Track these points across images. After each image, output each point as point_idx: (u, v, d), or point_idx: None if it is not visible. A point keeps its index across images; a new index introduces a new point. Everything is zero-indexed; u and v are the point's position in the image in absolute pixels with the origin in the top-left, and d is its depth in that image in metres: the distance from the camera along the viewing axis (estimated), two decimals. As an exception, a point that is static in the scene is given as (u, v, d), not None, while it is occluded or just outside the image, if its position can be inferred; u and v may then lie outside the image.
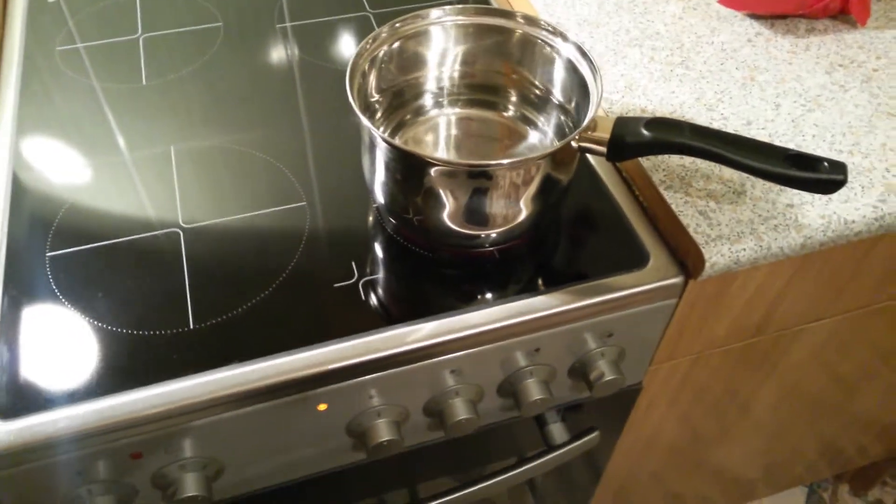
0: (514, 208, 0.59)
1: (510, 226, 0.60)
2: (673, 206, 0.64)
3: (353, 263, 0.63)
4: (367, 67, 0.62)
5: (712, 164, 0.67)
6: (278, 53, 0.84)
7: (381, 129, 0.66)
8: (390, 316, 0.60)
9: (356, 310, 0.60)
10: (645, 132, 0.57)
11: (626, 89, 0.74)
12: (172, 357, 0.57)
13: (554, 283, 0.62)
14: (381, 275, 0.63)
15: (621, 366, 0.68)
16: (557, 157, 0.57)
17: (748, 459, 1.16)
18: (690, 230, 0.62)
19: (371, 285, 0.62)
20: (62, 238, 0.65)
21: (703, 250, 0.61)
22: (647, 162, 0.67)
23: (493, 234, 0.61)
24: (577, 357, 0.67)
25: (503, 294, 0.62)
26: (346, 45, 0.85)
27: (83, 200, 0.68)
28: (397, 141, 0.66)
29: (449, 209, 0.58)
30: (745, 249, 0.61)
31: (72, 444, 0.54)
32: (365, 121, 0.55)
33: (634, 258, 0.64)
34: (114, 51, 0.83)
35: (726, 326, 0.75)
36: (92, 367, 0.56)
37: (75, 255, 0.63)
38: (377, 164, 0.59)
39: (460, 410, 0.63)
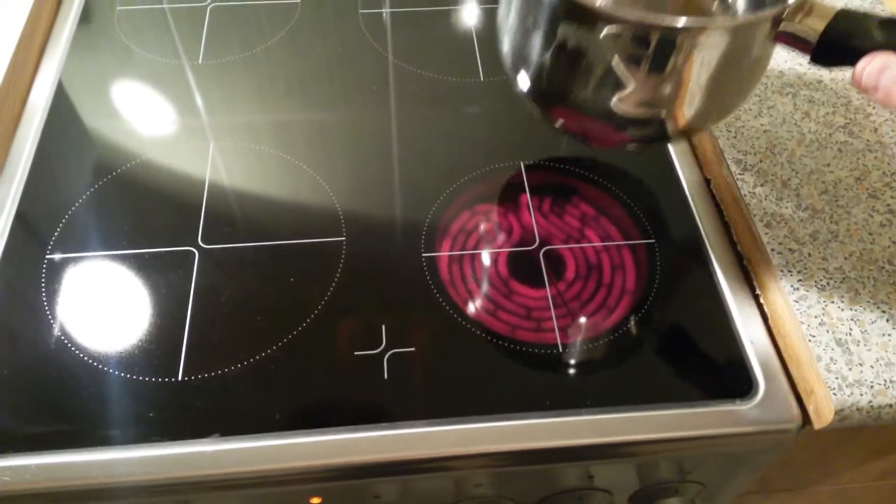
0: (669, 85, 0.44)
1: (652, 114, 0.46)
2: (804, 325, 0.49)
3: (384, 328, 0.52)
4: None
5: (864, 276, 0.51)
6: (354, 44, 0.72)
7: None
8: (413, 407, 0.48)
9: (374, 390, 0.49)
10: (879, 33, 0.40)
11: (767, 151, 0.58)
12: (149, 414, 0.48)
13: (625, 399, 0.49)
14: (413, 349, 0.51)
15: (697, 501, 0.54)
16: (743, 39, 0.43)
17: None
18: (821, 365, 0.47)
19: (399, 361, 0.50)
20: (66, 241, 0.56)
21: (834, 397, 0.46)
22: (778, 258, 0.52)
23: (626, 115, 0.47)
24: (643, 485, 0.53)
25: (558, 401, 0.49)
26: (436, 43, 0.73)
27: (100, 196, 0.59)
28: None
29: (580, 71, 0.45)
30: (891, 406, 0.46)
31: (17, 500, 0.46)
32: None
33: (739, 383, 0.49)
34: (178, 18, 0.74)
35: (846, 469, 0.59)
36: (57, 408, 0.48)
37: (75, 262, 0.55)
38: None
39: (484, 529, 0.51)
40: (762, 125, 0.60)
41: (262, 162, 0.62)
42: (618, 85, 0.44)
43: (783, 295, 0.51)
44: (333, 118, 0.65)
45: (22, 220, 0.57)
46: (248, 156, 0.62)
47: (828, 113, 0.60)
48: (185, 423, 0.47)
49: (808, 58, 0.43)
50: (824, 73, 0.63)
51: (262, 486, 0.47)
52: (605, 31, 0.42)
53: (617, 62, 0.43)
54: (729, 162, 0.57)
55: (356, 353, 0.51)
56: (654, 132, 0.49)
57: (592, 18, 0.42)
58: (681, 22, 0.41)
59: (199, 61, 0.70)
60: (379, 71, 0.69)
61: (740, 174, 0.57)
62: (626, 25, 0.42)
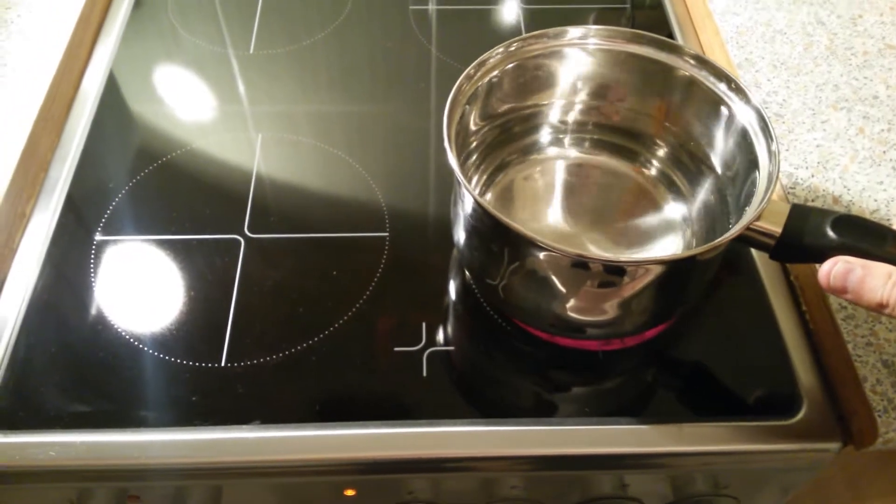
0: (625, 306, 0.45)
1: (618, 323, 0.47)
2: (850, 346, 0.48)
3: (424, 325, 0.52)
4: (469, 97, 0.49)
5: (917, 296, 0.50)
6: (402, 40, 0.72)
7: (480, 166, 0.54)
8: (451, 405, 0.49)
9: (413, 386, 0.49)
10: (831, 234, 0.41)
11: (819, 166, 0.57)
12: (191, 398, 0.48)
13: (664, 410, 0.48)
14: (453, 348, 0.51)
15: (731, 516, 0.54)
16: (699, 257, 0.43)
17: None
18: (866, 386, 0.46)
19: (438, 359, 0.50)
20: (114, 224, 0.57)
21: (879, 420, 0.45)
22: (826, 275, 0.51)
23: (594, 329, 0.47)
24: (677, 496, 0.53)
25: (597, 408, 0.48)
26: (480, 41, 0.72)
27: (148, 182, 0.60)
28: (489, 198, 0.54)
29: (544, 292, 0.45)
30: (939, 432, 0.45)
31: (62, 475, 0.47)
32: (459, 174, 0.43)
33: (781, 401, 0.49)
34: (230, 7, 0.75)
35: (878, 495, 0.58)
36: (102, 388, 0.49)
37: (123, 245, 0.56)
38: (463, 217, 0.47)
39: (516, 531, 0.51)
40: (815, 139, 0.59)
41: (309, 154, 0.62)
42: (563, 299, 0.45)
43: (830, 313, 0.50)
44: (381, 112, 0.66)
45: (72, 202, 0.58)
46: (295, 148, 0.63)
47: (882, 130, 0.59)
48: (226, 408, 0.48)
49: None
50: (880, 89, 0.62)
51: (299, 475, 0.47)
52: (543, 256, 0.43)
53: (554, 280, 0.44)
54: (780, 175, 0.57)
55: (396, 349, 0.51)
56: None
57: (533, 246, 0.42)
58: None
59: (251, 51, 0.70)
60: (425, 66, 0.70)
61: (791, 188, 0.56)
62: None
